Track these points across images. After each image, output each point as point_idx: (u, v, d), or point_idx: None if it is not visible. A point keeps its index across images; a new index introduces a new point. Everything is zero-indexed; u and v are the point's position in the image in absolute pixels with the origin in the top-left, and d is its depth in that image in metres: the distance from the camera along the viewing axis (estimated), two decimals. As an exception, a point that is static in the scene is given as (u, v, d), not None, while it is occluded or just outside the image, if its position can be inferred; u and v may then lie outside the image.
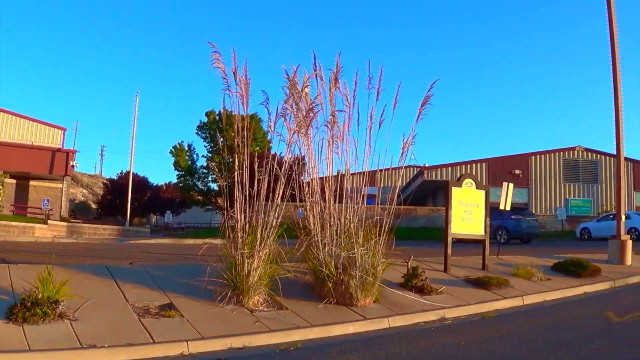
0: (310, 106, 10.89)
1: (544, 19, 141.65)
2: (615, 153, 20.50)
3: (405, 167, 11.83)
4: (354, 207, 11.05)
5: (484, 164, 49.21)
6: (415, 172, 52.64)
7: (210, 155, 58.50)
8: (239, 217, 9.94)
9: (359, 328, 9.29)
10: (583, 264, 16.02)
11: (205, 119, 60.58)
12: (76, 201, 74.18)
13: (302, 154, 11.39)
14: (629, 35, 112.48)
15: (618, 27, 20.03)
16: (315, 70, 11.11)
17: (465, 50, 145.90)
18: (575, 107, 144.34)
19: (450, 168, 49.06)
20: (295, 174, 10.79)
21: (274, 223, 10.05)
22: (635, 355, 7.62)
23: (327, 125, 11.05)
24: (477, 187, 15.42)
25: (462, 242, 16.28)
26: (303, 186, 11.05)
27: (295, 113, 10.79)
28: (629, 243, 19.14)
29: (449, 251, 14.39)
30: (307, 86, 11.01)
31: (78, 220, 49.17)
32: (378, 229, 10.89)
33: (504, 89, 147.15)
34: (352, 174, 11.48)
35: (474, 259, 15.90)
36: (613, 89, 19.80)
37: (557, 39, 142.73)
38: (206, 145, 60.67)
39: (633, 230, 33.89)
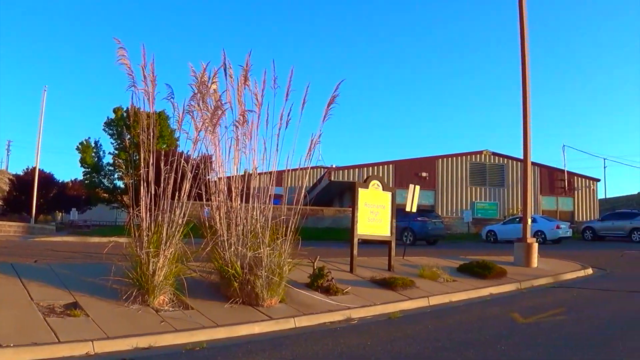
0: (218, 104, 11.16)
1: (453, 21, 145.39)
2: (522, 157, 21.35)
3: (312, 167, 12.22)
4: (260, 206, 11.32)
5: (391, 166, 50.22)
6: (322, 173, 53.22)
7: (117, 152, 58.20)
8: (144, 215, 10.06)
9: (265, 328, 9.50)
10: (489, 266, 16.64)
11: (112, 116, 60.26)
12: (-19, 197, 72.08)
13: (210, 153, 11.59)
14: (539, 37, 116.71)
15: (529, 30, 20.97)
16: (225, 68, 11.36)
17: (374, 52, 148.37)
18: (484, 111, 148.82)
19: (357, 169, 49.79)
20: (202, 173, 11.01)
21: (180, 222, 10.23)
22: (541, 356, 7.99)
23: (235, 124, 11.33)
24: (383, 189, 15.96)
25: (368, 243, 16.72)
26: (210, 185, 11.27)
27: (202, 110, 11.02)
28: (535, 246, 20.03)
29: (355, 252, 14.80)
30: (214, 82, 11.23)
31: (-17, 217, 48.16)
32: (284, 229, 11.17)
33: (412, 91, 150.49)
34: (260, 174, 11.75)
35: (380, 259, 16.38)
36: (522, 94, 20.74)
37: (467, 43, 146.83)
38: (113, 142, 60.62)
39: (539, 233, 35.55)
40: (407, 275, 14.64)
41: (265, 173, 11.75)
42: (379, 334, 9.41)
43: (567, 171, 56.39)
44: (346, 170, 49.85)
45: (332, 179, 48.85)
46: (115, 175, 60.36)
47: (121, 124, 57.42)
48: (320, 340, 8.79)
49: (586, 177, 57.26)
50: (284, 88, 11.41)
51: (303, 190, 12.21)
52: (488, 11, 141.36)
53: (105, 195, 62.40)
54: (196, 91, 10.88)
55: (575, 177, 56.45)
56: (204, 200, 11.17)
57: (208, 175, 11.41)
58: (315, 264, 12.73)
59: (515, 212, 48.96)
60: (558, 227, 38.74)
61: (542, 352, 8.20)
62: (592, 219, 51.05)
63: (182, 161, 10.58)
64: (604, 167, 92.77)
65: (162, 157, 10.42)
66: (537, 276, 17.54)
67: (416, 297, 12.97)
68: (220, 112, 11.09)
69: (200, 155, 11.25)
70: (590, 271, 19.79)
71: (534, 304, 12.96)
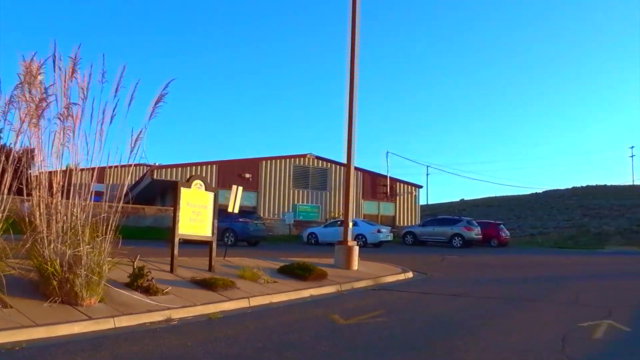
0: (43, 95, 11.19)
1: (280, 23, 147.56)
2: (345, 162, 22.30)
3: (135, 165, 12.38)
4: (81, 203, 11.44)
5: (214, 166, 50.35)
6: (145, 171, 52.61)
7: (-60, 143, 54.79)
8: (-37, 209, 9.95)
9: (84, 328, 9.65)
10: (309, 268, 17.37)
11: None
12: None
13: (32, 146, 11.54)
14: (366, 42, 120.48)
15: (359, 34, 21.95)
16: (54, 59, 11.38)
17: (203, 51, 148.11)
18: (309, 115, 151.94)
19: (180, 168, 49.52)
20: (24, 167, 11.04)
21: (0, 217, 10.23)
22: (362, 357, 8.53)
23: (59, 117, 11.36)
24: (206, 189, 16.35)
25: (190, 243, 16.94)
26: (31, 179, 11.26)
27: (28, 102, 11.04)
28: (356, 249, 21.05)
29: (176, 252, 15.13)
30: (40, 73, 11.21)
31: None
32: (105, 227, 11.37)
33: (239, 92, 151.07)
34: (82, 170, 11.84)
35: (201, 260, 16.74)
36: (348, 100, 21.74)
37: (293, 46, 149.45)
38: (-63, 132, 56.93)
39: (360, 236, 36.89)
40: (228, 276, 15.06)
41: (87, 169, 11.85)
42: (200, 334, 9.77)
43: (390, 177, 59.26)
44: (169, 169, 49.48)
45: (155, 177, 48.45)
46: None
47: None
48: (140, 340, 9.05)
49: (408, 184, 60.37)
50: (107, 82, 11.63)
51: (125, 188, 12.43)
52: (316, 14, 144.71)
53: None
54: (22, 80, 10.88)
55: (398, 183, 59.35)
56: (25, 195, 11.19)
57: (30, 169, 11.43)
58: (136, 263, 12.90)
59: (337, 215, 50.51)
60: (379, 231, 40.67)
61: (363, 353, 8.81)
62: (414, 224, 53.72)
63: (3, 154, 10.57)
64: (427, 174, 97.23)
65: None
66: (357, 279, 18.47)
67: (237, 297, 13.36)
68: (44, 104, 11.14)
69: (22, 148, 11.27)
70: (410, 275, 21.08)
71: (355, 306, 13.73)
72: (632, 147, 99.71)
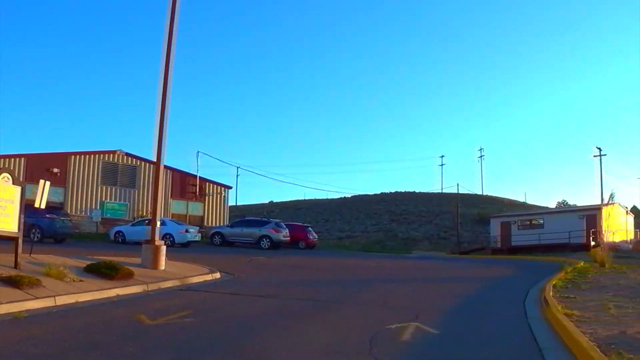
0: None
1: (94, 17, 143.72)
2: (155, 160, 22.32)
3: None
4: None
5: (22, 159, 48.44)
6: (-49, 162, 49.93)
7: None
8: None
9: None
10: (116, 267, 17.22)
11: None
12: None
13: None
14: (183, 41, 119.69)
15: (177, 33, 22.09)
16: None
17: (10, 40, 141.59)
18: (120, 111, 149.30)
19: (-12, 161, 47.51)
20: None
21: None
22: (168, 357, 8.55)
23: None
24: (13, 183, 15.89)
25: None
26: None
27: None
28: (163, 248, 21.06)
29: (-19, 248, 14.63)
30: None
31: None
32: None
33: (49, 84, 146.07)
34: None
35: (7, 256, 16.19)
36: (161, 98, 21.73)
37: (107, 39, 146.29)
38: None
39: (168, 236, 36.73)
40: (34, 273, 14.71)
41: None
42: (5, 334, 9.54)
43: (200, 177, 59.13)
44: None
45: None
46: None
47: None
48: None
49: (218, 184, 60.54)
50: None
51: None
52: (133, 8, 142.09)
53: None
54: None
55: (208, 183, 59.46)
56: None
57: None
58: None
59: (145, 213, 50.01)
60: (187, 231, 40.72)
61: (170, 353, 8.83)
62: (222, 224, 53.98)
63: None
64: (237, 175, 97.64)
65: None
66: (164, 279, 18.50)
67: (43, 296, 13.07)
68: None
69: None
70: (218, 275, 21.26)
71: (162, 306, 13.66)
72: (442, 156, 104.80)
